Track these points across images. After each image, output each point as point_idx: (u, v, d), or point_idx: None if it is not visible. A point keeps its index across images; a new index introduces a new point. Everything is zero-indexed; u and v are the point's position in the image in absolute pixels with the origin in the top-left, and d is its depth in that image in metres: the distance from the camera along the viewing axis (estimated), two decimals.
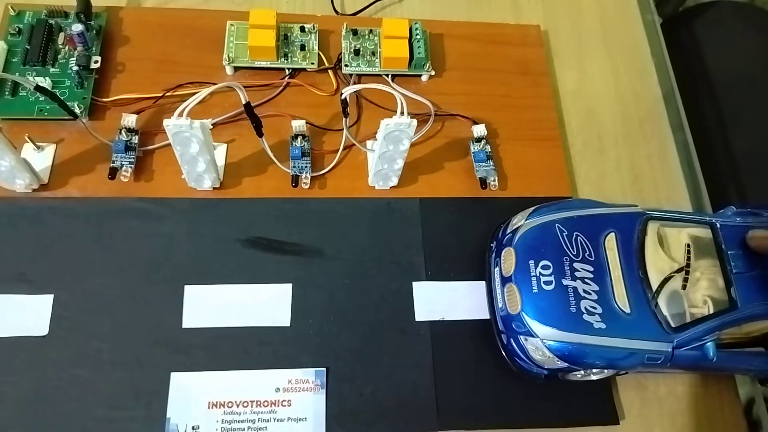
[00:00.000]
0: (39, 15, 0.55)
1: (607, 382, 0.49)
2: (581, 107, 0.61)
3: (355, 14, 0.62)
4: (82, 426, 0.43)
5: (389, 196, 0.53)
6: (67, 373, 0.44)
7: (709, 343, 0.43)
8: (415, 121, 0.45)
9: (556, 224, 0.46)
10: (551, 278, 0.44)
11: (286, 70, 0.57)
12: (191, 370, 0.45)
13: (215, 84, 0.51)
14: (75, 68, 0.52)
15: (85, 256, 0.48)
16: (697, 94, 0.72)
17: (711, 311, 0.44)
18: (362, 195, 0.53)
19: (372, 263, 0.50)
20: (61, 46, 0.54)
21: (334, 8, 0.62)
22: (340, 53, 0.58)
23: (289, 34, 0.57)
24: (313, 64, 0.57)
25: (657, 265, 0.45)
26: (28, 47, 0.53)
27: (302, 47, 0.57)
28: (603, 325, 0.42)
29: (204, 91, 0.42)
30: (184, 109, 0.42)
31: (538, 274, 0.44)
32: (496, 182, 0.54)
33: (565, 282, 0.44)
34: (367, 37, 0.58)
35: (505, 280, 0.46)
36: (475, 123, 0.56)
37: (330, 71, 0.58)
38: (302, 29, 0.58)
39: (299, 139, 0.53)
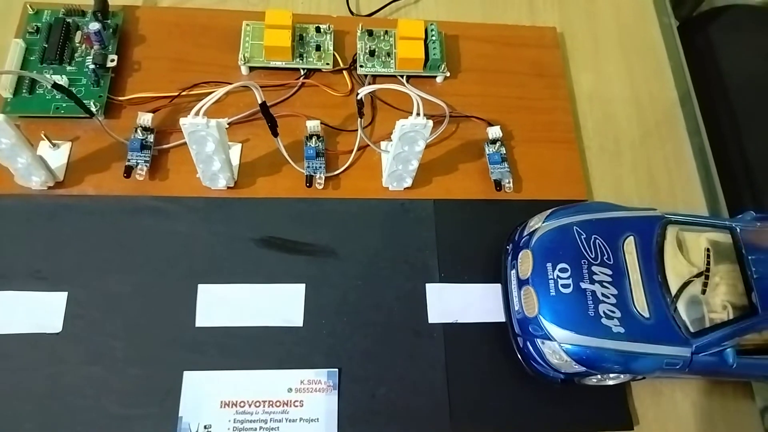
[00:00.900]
0: (57, 14, 0.55)
1: (622, 387, 0.48)
2: (597, 110, 0.61)
3: (370, 15, 0.62)
4: (95, 423, 0.43)
5: (403, 197, 0.53)
6: (80, 371, 0.44)
7: (728, 349, 0.43)
8: (430, 122, 0.45)
9: (574, 227, 0.45)
10: (569, 281, 0.43)
11: (301, 71, 0.57)
12: (204, 368, 0.45)
13: (231, 84, 0.51)
14: (91, 67, 0.52)
15: (100, 254, 0.48)
16: (713, 97, 0.71)
17: (731, 317, 0.43)
18: (376, 196, 0.53)
19: (385, 264, 0.50)
20: (78, 45, 0.54)
21: (349, 9, 0.62)
22: (355, 54, 0.58)
23: (304, 35, 0.57)
24: (328, 64, 0.57)
25: (676, 269, 0.45)
26: (46, 45, 0.53)
27: (317, 47, 0.57)
28: (621, 330, 0.42)
29: (220, 91, 0.42)
30: (200, 108, 0.42)
31: (555, 277, 0.43)
32: (511, 184, 0.54)
33: (583, 285, 0.43)
34: (382, 38, 0.58)
35: (521, 283, 0.45)
36: (490, 125, 0.56)
37: (345, 72, 0.57)
38: (318, 30, 0.58)
39: (314, 140, 0.53)
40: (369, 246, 0.51)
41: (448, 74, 0.58)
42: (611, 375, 0.44)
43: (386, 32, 0.59)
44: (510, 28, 0.63)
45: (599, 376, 0.44)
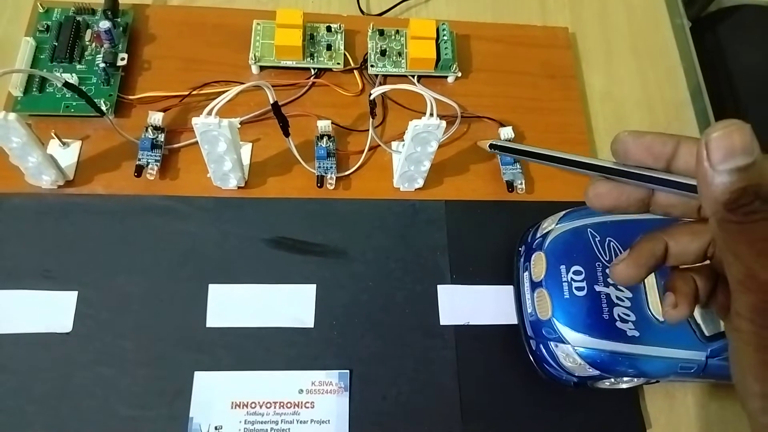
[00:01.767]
0: (67, 12, 0.55)
1: (634, 391, 0.48)
2: (609, 111, 0.60)
3: (381, 14, 0.62)
4: (105, 424, 0.43)
5: (414, 198, 0.53)
6: (90, 371, 0.44)
7: None
8: (444, 123, 0.45)
9: (588, 229, 0.45)
10: (583, 284, 0.43)
11: (312, 70, 0.56)
12: (215, 369, 0.45)
13: (242, 83, 0.51)
14: (102, 65, 0.52)
15: (110, 254, 0.47)
16: (725, 98, 0.70)
17: None
18: (387, 196, 0.53)
19: (396, 265, 0.50)
20: (88, 43, 0.54)
21: (360, 8, 0.62)
22: (366, 53, 0.57)
23: (315, 34, 0.57)
24: (339, 64, 0.56)
25: None
26: (56, 44, 0.53)
27: (328, 47, 0.56)
28: (636, 333, 0.42)
29: (233, 90, 0.42)
30: (213, 108, 0.42)
31: (569, 280, 0.43)
32: (524, 185, 0.53)
33: (597, 288, 0.43)
34: (393, 37, 0.58)
35: (535, 285, 0.45)
36: (502, 125, 0.56)
37: (356, 71, 0.57)
38: (328, 29, 0.57)
39: (325, 140, 0.52)
40: (380, 247, 0.50)
41: (459, 74, 0.58)
42: (625, 378, 0.44)
43: (397, 32, 0.58)
44: (521, 27, 0.62)
45: (612, 380, 0.44)
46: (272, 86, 0.45)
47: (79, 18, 0.55)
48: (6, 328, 0.44)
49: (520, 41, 0.61)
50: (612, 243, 0.44)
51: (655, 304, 0.43)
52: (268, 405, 0.44)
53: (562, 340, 0.42)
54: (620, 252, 0.44)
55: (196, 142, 0.45)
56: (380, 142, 0.53)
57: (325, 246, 0.50)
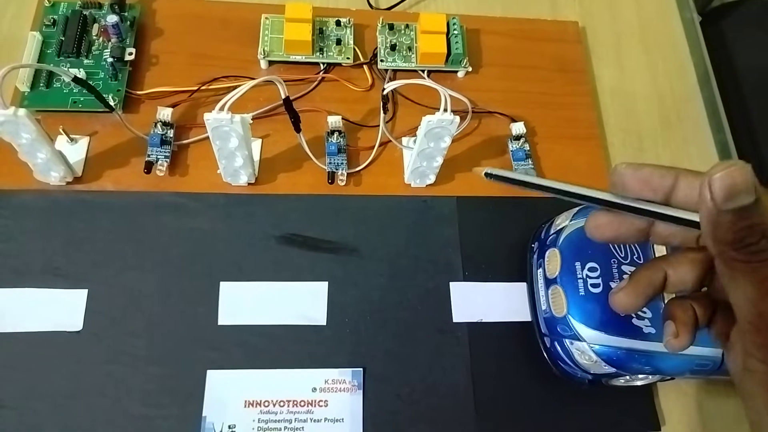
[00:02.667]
0: (74, 6, 0.54)
1: (648, 388, 0.48)
2: (619, 106, 0.60)
3: (389, 9, 0.61)
4: (117, 423, 0.42)
5: (425, 194, 0.52)
6: (101, 369, 0.44)
7: None
8: (457, 118, 0.44)
9: None
10: (599, 281, 0.42)
11: (321, 65, 0.56)
12: (227, 367, 0.44)
13: (251, 78, 0.50)
14: (109, 60, 0.52)
15: (120, 251, 0.47)
16: (736, 93, 0.70)
17: None
18: (398, 192, 0.52)
19: (408, 262, 0.49)
20: (95, 38, 0.54)
21: (368, 2, 0.61)
22: (376, 48, 0.57)
23: (324, 28, 0.57)
24: (348, 58, 0.56)
25: None
26: (63, 38, 0.53)
27: (338, 41, 0.56)
28: (653, 330, 0.41)
29: (245, 86, 0.41)
30: (225, 104, 0.41)
31: (585, 277, 0.43)
32: None
33: (613, 285, 0.42)
34: (403, 32, 0.57)
35: (549, 282, 0.45)
36: (513, 120, 0.55)
37: (365, 66, 0.57)
38: (338, 23, 0.57)
39: (335, 135, 0.52)
40: (392, 243, 0.50)
41: (469, 69, 0.57)
42: (639, 376, 0.44)
43: (407, 26, 0.58)
44: (531, 22, 0.62)
45: (628, 377, 0.44)
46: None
47: (85, 12, 0.54)
48: (16, 327, 0.44)
49: (530, 35, 0.61)
50: None
51: None
52: (282, 403, 0.44)
53: (577, 337, 0.42)
54: (635, 249, 0.44)
55: (206, 138, 0.45)
56: (391, 137, 0.52)
57: (336, 243, 0.49)
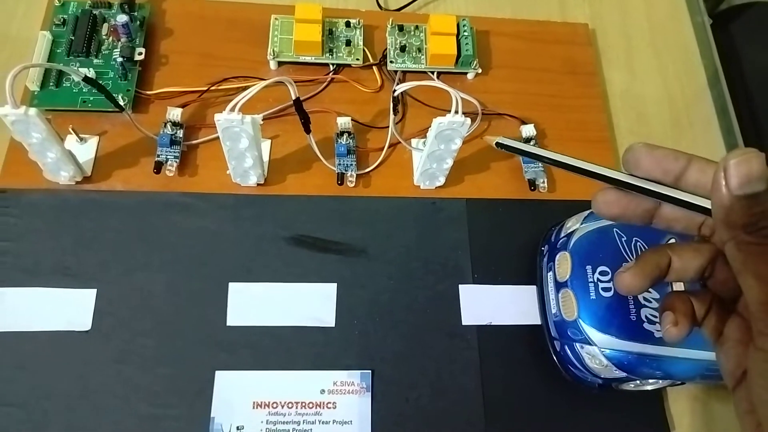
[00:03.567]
0: (83, 5, 0.54)
1: (658, 392, 0.47)
2: (630, 109, 0.60)
3: (399, 10, 0.61)
4: (125, 423, 0.42)
5: (434, 196, 0.52)
6: (110, 369, 0.44)
7: None
8: (468, 120, 0.44)
9: (614, 229, 0.44)
10: (610, 284, 0.42)
11: (331, 66, 0.56)
12: (236, 368, 0.44)
13: (261, 79, 0.50)
14: (119, 60, 0.52)
15: (129, 251, 0.47)
16: (747, 96, 0.70)
17: None
18: (407, 194, 0.52)
19: (417, 264, 0.49)
20: (104, 37, 0.54)
21: (378, 3, 0.61)
22: (385, 49, 0.57)
23: (334, 29, 0.56)
24: (358, 60, 0.56)
25: None
26: (73, 38, 0.53)
27: (347, 42, 0.56)
28: None
29: (256, 86, 0.41)
30: (236, 104, 0.41)
31: (596, 280, 0.42)
32: (546, 184, 0.53)
33: None
34: (412, 33, 0.57)
35: (559, 286, 0.44)
36: (523, 123, 0.55)
37: (375, 67, 0.56)
38: (347, 24, 0.57)
39: (345, 137, 0.52)
40: (401, 245, 0.50)
41: (479, 71, 0.57)
42: (650, 380, 0.43)
43: (417, 27, 0.58)
44: (541, 24, 0.62)
45: (638, 382, 0.44)
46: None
47: (95, 12, 0.54)
48: (25, 326, 0.44)
49: (540, 37, 0.61)
50: (639, 243, 0.44)
51: None
52: (290, 405, 0.44)
53: (588, 341, 0.42)
54: None
55: (215, 139, 0.45)
56: (401, 139, 0.52)
57: (345, 244, 0.49)
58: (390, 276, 0.49)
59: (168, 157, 0.49)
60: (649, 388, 0.45)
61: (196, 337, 0.45)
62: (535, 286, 0.49)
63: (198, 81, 0.53)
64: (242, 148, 0.45)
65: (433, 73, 0.57)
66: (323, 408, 0.44)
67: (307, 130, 0.48)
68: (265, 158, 0.51)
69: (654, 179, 0.26)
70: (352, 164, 0.51)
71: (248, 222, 0.49)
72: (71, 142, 0.50)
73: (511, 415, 0.45)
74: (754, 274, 0.23)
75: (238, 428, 0.43)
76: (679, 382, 0.45)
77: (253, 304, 0.46)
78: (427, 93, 0.55)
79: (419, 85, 0.45)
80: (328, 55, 0.55)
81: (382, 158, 0.53)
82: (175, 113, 0.50)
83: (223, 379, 0.44)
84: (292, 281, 0.47)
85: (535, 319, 0.48)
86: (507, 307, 0.48)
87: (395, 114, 0.49)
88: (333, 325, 0.46)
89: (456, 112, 0.43)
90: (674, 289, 0.43)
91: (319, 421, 0.44)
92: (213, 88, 0.53)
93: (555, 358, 0.45)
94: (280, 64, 0.56)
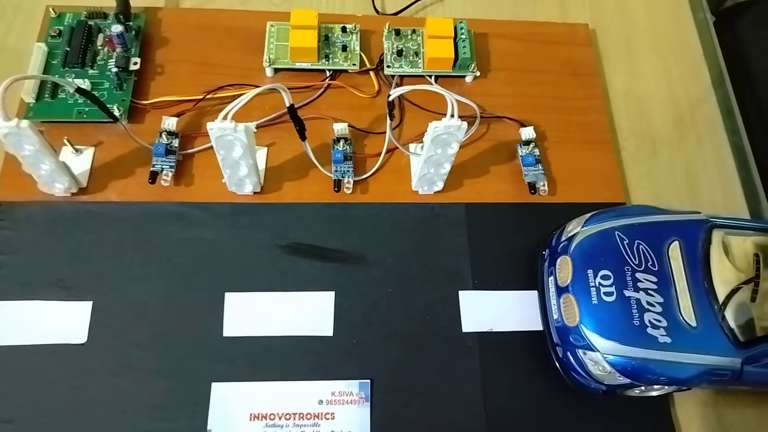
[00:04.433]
0: (79, 16, 0.54)
1: (665, 398, 0.46)
2: (632, 109, 0.59)
3: (396, 14, 0.61)
4: None
5: (433, 201, 0.51)
6: (105, 382, 0.43)
7: None
8: (465, 124, 0.43)
9: (616, 232, 0.43)
10: (612, 289, 0.41)
11: (327, 72, 0.55)
12: (233, 380, 0.44)
13: (257, 86, 0.49)
14: (114, 70, 0.51)
15: (125, 262, 0.47)
16: (752, 95, 0.68)
17: None
18: (406, 200, 0.51)
19: (416, 271, 0.48)
20: (100, 48, 0.53)
21: (374, 8, 0.61)
22: (382, 54, 0.56)
23: (330, 35, 0.56)
24: (354, 65, 0.55)
25: (723, 275, 0.43)
26: (68, 49, 0.52)
27: (344, 48, 0.55)
28: (668, 339, 0.40)
29: (248, 94, 0.41)
30: (228, 112, 0.41)
31: (597, 285, 0.42)
32: (546, 187, 0.52)
33: (627, 293, 0.41)
34: (409, 37, 0.57)
35: (561, 291, 0.43)
36: (523, 125, 0.54)
37: (371, 72, 0.56)
38: (343, 29, 0.56)
39: (341, 143, 0.51)
40: (399, 252, 0.49)
41: (478, 74, 0.56)
42: (655, 386, 0.42)
43: (414, 31, 0.57)
44: (541, 25, 0.61)
45: (643, 388, 0.42)
46: (287, 89, 0.44)
47: (91, 22, 0.54)
48: (20, 340, 0.44)
49: (540, 39, 0.60)
50: (641, 246, 0.43)
51: (687, 309, 0.41)
52: (288, 416, 0.43)
53: (590, 347, 0.41)
54: (649, 255, 0.43)
55: (211, 147, 0.44)
56: (398, 144, 0.52)
57: (343, 252, 0.49)
58: (389, 283, 0.48)
59: (163, 167, 0.49)
60: (654, 393, 0.44)
61: (192, 348, 0.44)
62: (536, 292, 0.48)
63: (194, 90, 0.53)
64: (236, 156, 0.44)
65: (431, 77, 0.56)
66: (322, 419, 0.43)
67: (303, 137, 0.48)
68: (261, 166, 0.51)
69: None
70: (349, 171, 0.51)
71: (245, 231, 0.48)
72: (67, 153, 0.50)
73: (513, 423, 0.44)
74: None
75: None
76: (686, 388, 0.43)
77: (250, 314, 0.46)
78: (424, 97, 0.54)
79: (414, 89, 0.44)
80: (324, 60, 0.55)
81: (380, 164, 0.52)
82: (170, 122, 0.50)
83: (220, 390, 0.43)
84: (290, 290, 0.47)
85: (537, 325, 0.47)
86: (508, 314, 0.47)
87: (391, 119, 0.49)
88: (331, 334, 0.46)
89: (452, 115, 0.42)
90: (677, 289, 0.42)
91: None
92: (209, 96, 0.53)
93: (557, 364, 0.44)
94: (276, 71, 0.55)
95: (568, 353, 0.43)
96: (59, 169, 0.45)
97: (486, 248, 0.50)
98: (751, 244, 0.44)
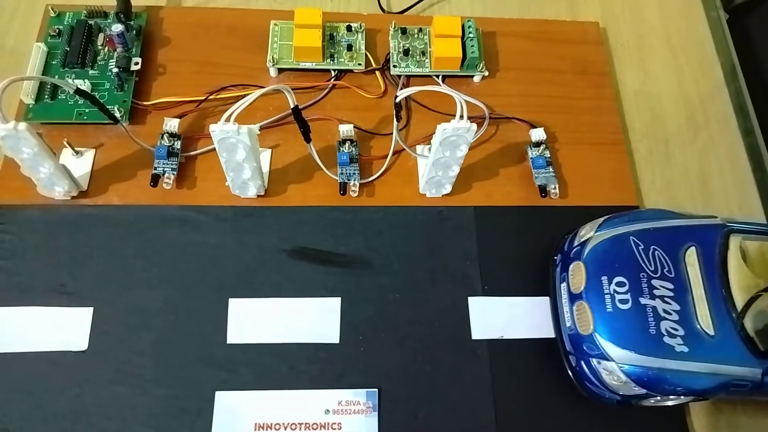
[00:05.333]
0: (79, 16, 0.53)
1: (681, 407, 0.45)
2: (644, 109, 0.57)
3: (402, 12, 0.59)
4: None
5: (441, 204, 0.50)
6: (106, 390, 0.42)
7: None
8: (474, 126, 0.42)
9: (631, 237, 0.42)
10: (627, 296, 0.40)
11: (332, 72, 0.54)
12: (237, 388, 0.43)
13: (260, 87, 0.48)
14: (115, 70, 0.50)
15: (126, 267, 0.45)
16: (765, 94, 0.67)
17: None
18: (412, 203, 0.50)
19: (424, 276, 0.47)
20: (100, 48, 0.52)
21: (380, 6, 0.59)
22: (388, 53, 0.55)
23: (335, 34, 0.55)
24: (360, 65, 0.54)
25: (742, 282, 0.41)
26: (68, 49, 0.51)
27: (349, 47, 0.54)
28: (685, 349, 0.39)
29: (252, 95, 0.40)
30: (231, 114, 0.39)
31: (612, 292, 0.40)
32: (557, 190, 0.50)
33: (642, 301, 0.40)
34: (416, 36, 0.55)
35: (574, 297, 0.42)
36: (533, 126, 0.53)
37: (377, 72, 0.55)
38: (348, 28, 0.55)
39: (347, 145, 0.50)
40: (406, 257, 0.48)
41: (486, 73, 0.55)
42: (671, 396, 0.41)
43: (420, 30, 0.56)
44: (550, 23, 0.60)
45: (659, 398, 0.41)
46: (291, 89, 0.43)
47: (91, 22, 0.53)
48: (20, 347, 0.43)
49: (549, 37, 0.59)
50: (657, 252, 0.42)
51: (704, 317, 0.40)
52: (293, 426, 0.42)
53: (605, 356, 0.40)
54: (665, 262, 0.41)
55: (214, 149, 0.43)
56: (405, 146, 0.50)
57: (349, 256, 0.47)
58: (396, 289, 0.47)
59: (165, 169, 0.48)
60: (670, 403, 0.42)
61: (195, 355, 0.43)
62: (548, 298, 0.46)
63: (196, 90, 0.52)
64: (239, 159, 0.43)
65: (438, 76, 0.55)
66: (328, 429, 0.42)
67: (307, 139, 0.47)
68: (265, 169, 0.50)
69: None
70: (355, 173, 0.49)
71: (248, 235, 0.47)
72: (67, 155, 0.49)
73: None
74: None
75: None
76: (702, 398, 0.42)
77: (254, 320, 0.45)
78: (431, 97, 0.53)
79: (422, 90, 0.43)
80: (329, 60, 0.54)
81: (386, 166, 0.51)
82: (172, 124, 0.49)
83: (224, 399, 0.42)
84: (295, 296, 0.46)
85: (549, 333, 0.45)
86: (519, 320, 0.46)
87: (398, 121, 0.48)
88: (337, 341, 0.45)
89: (461, 117, 0.41)
90: (694, 296, 0.41)
91: None
92: (211, 97, 0.51)
93: (570, 373, 0.43)
94: (280, 71, 0.54)
95: (582, 362, 0.42)
96: (59, 172, 0.44)
97: (495, 253, 0.48)
98: None
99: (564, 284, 0.44)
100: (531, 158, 0.51)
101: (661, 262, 0.41)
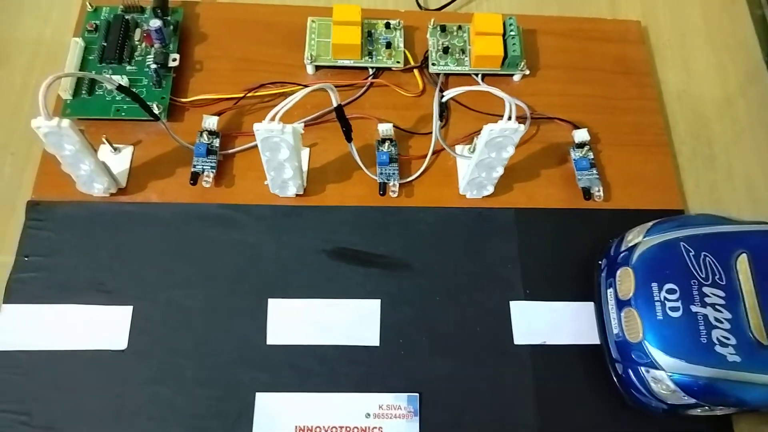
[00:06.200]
0: (115, 11, 0.53)
1: (728, 416, 0.44)
2: (688, 110, 0.56)
3: (440, 9, 0.58)
4: None
5: (481, 206, 0.49)
6: (146, 390, 0.42)
7: None
8: (522, 127, 0.41)
9: (681, 243, 0.41)
10: (678, 304, 0.39)
11: (370, 70, 0.53)
12: (277, 390, 0.42)
13: (298, 84, 0.48)
14: (153, 66, 0.50)
15: (165, 265, 0.45)
16: None
17: None
18: (452, 204, 0.49)
19: (465, 279, 0.47)
20: (137, 43, 0.52)
21: (417, 3, 0.58)
22: (426, 51, 0.54)
23: (373, 31, 0.54)
24: (399, 62, 0.53)
25: None
26: (105, 44, 0.51)
27: (388, 45, 0.53)
28: (738, 358, 0.38)
29: (298, 94, 0.39)
30: (276, 113, 0.39)
31: (662, 299, 0.39)
32: (601, 193, 0.49)
33: (693, 308, 0.39)
34: (455, 33, 0.55)
35: (622, 304, 0.41)
36: (576, 127, 0.52)
37: (416, 70, 0.54)
38: (387, 26, 0.54)
39: (386, 144, 0.49)
40: (447, 259, 0.47)
41: (527, 72, 0.54)
42: (720, 406, 0.40)
43: (460, 27, 0.55)
44: (591, 21, 0.58)
45: (707, 407, 0.40)
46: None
47: (127, 17, 0.52)
48: (59, 345, 0.43)
49: (590, 36, 0.57)
50: (708, 258, 0.40)
51: (757, 326, 0.39)
52: (334, 430, 0.41)
53: (654, 365, 0.39)
54: (716, 268, 0.40)
55: (252, 147, 0.43)
56: (446, 146, 0.50)
57: (388, 257, 0.47)
58: (436, 292, 0.46)
59: (204, 167, 0.47)
60: (718, 413, 0.41)
61: (235, 356, 0.43)
62: (592, 303, 0.46)
63: (234, 87, 0.51)
64: (282, 158, 0.42)
65: (477, 75, 0.54)
66: None
67: (349, 139, 0.46)
68: (304, 168, 0.49)
69: None
70: (394, 173, 0.49)
71: (287, 234, 0.47)
72: (105, 152, 0.49)
73: None
74: None
75: None
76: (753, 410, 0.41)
77: (294, 321, 0.44)
78: (471, 97, 0.52)
79: (469, 90, 0.42)
80: (367, 58, 0.53)
81: (426, 166, 0.50)
82: (211, 122, 0.48)
83: (264, 401, 0.42)
84: (334, 297, 0.45)
85: (594, 339, 0.45)
86: (562, 326, 0.45)
87: (441, 120, 0.47)
88: (377, 344, 0.44)
89: (509, 118, 0.40)
90: (746, 304, 0.40)
91: None
92: (249, 94, 0.51)
93: (616, 381, 0.42)
94: (317, 68, 0.53)
95: (629, 370, 0.41)
96: (99, 169, 0.44)
97: (537, 256, 0.47)
98: None
99: (611, 290, 0.43)
100: (574, 160, 0.50)
101: (712, 269, 0.40)
